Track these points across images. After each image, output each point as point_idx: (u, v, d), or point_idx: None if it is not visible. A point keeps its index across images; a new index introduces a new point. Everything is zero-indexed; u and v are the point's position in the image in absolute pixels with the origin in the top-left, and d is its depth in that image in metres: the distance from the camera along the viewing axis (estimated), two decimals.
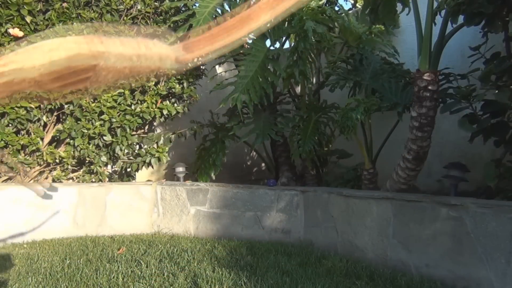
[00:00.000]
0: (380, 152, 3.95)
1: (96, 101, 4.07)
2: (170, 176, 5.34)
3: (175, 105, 4.47)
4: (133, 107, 4.19)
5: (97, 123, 4.02)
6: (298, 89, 4.95)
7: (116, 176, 4.47)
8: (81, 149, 3.98)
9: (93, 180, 4.18)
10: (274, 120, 4.29)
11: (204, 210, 3.94)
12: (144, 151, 4.37)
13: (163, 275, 2.62)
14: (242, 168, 6.31)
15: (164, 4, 4.32)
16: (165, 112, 4.33)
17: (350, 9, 5.61)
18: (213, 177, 4.42)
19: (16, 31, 3.61)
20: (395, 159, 3.39)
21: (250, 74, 3.76)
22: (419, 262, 2.70)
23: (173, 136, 4.54)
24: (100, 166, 4.13)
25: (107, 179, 4.27)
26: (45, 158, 3.89)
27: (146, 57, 0.60)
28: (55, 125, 4.09)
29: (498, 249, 2.31)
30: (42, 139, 3.94)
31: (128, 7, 4.21)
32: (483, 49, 3.28)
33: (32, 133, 3.87)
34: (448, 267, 2.54)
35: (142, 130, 4.64)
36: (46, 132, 4.03)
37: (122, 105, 4.14)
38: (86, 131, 3.97)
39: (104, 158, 4.12)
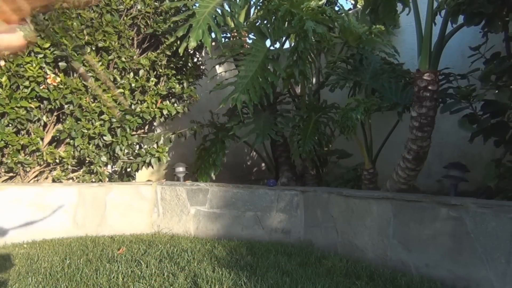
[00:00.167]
0: (380, 152, 3.95)
1: (96, 101, 4.07)
2: (170, 176, 5.34)
3: (175, 105, 4.47)
4: (133, 107, 4.19)
5: (97, 123, 4.02)
6: (298, 89, 4.95)
7: (116, 176, 4.47)
8: (81, 149, 3.98)
9: (93, 180, 4.18)
10: (274, 120, 4.29)
11: (204, 210, 3.95)
12: (144, 151, 4.37)
13: (163, 275, 2.62)
14: (242, 168, 6.31)
15: (164, 4, 4.32)
16: (165, 112, 4.33)
17: (350, 9, 5.62)
18: (213, 177, 4.42)
19: None
20: (395, 159, 3.39)
21: (250, 74, 3.76)
22: (419, 262, 2.70)
23: (173, 136, 4.54)
24: (100, 166, 4.13)
25: (107, 179, 4.27)
26: (45, 158, 3.89)
27: None
28: (55, 125, 4.09)
29: (498, 249, 2.31)
30: (42, 139, 3.94)
31: (128, 7, 4.21)
32: (483, 49, 3.28)
33: (32, 133, 3.87)
34: (448, 267, 2.54)
35: (142, 130, 4.64)
36: (46, 132, 4.03)
37: (122, 105, 4.14)
38: (86, 131, 3.97)
39: (104, 158, 4.12)
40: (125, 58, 4.17)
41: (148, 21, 4.34)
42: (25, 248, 3.36)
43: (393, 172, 3.35)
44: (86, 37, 3.95)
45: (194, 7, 4.03)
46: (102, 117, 4.05)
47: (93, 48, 4.03)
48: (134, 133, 4.41)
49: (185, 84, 4.50)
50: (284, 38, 4.43)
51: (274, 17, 4.04)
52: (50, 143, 4.06)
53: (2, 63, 3.63)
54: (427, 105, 3.00)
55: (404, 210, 2.84)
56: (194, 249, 3.29)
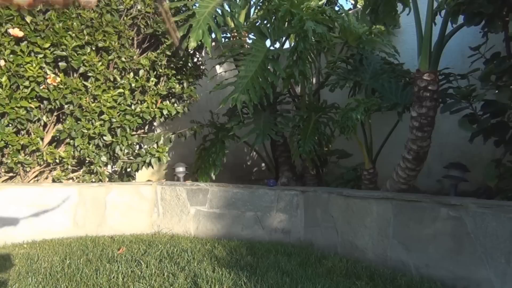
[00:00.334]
0: (380, 152, 3.95)
1: (96, 101, 4.07)
2: (170, 176, 5.34)
3: (175, 105, 4.47)
4: (133, 107, 4.19)
5: (97, 123, 4.02)
6: (298, 89, 4.95)
7: (116, 176, 4.47)
8: (81, 149, 3.98)
9: (93, 180, 4.18)
10: (274, 120, 4.29)
11: (204, 210, 3.95)
12: (144, 151, 4.37)
13: (163, 275, 2.62)
14: (242, 168, 6.31)
15: (164, 4, 4.31)
16: (165, 112, 4.33)
17: (350, 9, 5.61)
18: (213, 177, 4.42)
19: (16, 31, 3.61)
20: (395, 159, 3.39)
21: (250, 74, 3.76)
22: (419, 262, 2.70)
23: (173, 136, 4.54)
24: (100, 166, 4.13)
25: (107, 179, 4.27)
26: (45, 158, 3.89)
27: None
28: (55, 125, 4.09)
29: (498, 249, 2.31)
30: (42, 139, 3.94)
31: (128, 7, 4.21)
32: (483, 49, 3.28)
33: (32, 133, 3.87)
34: (448, 267, 2.54)
35: (142, 130, 4.64)
36: (46, 132, 4.03)
37: (122, 105, 4.14)
38: (86, 131, 3.97)
39: (104, 158, 4.12)
40: (125, 58, 4.17)
41: (148, 21, 4.34)
42: (25, 248, 3.36)
43: (393, 172, 3.35)
44: (86, 37, 3.95)
45: (194, 7, 4.04)
46: (102, 117, 4.05)
47: (93, 48, 4.02)
48: (134, 133, 4.41)
49: (185, 84, 4.50)
50: (284, 38, 4.43)
51: (274, 17, 4.04)
52: (50, 143, 4.06)
53: (2, 63, 3.63)
54: (427, 105, 3.00)
55: (404, 210, 2.84)
56: (194, 249, 3.29)
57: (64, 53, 3.85)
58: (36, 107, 3.84)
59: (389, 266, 2.84)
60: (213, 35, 4.01)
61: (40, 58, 3.76)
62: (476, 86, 3.14)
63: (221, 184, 3.99)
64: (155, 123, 4.91)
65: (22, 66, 3.69)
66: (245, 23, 4.65)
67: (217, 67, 5.31)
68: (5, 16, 3.60)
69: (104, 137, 4.07)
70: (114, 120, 4.07)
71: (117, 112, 4.11)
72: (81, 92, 3.98)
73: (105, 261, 2.92)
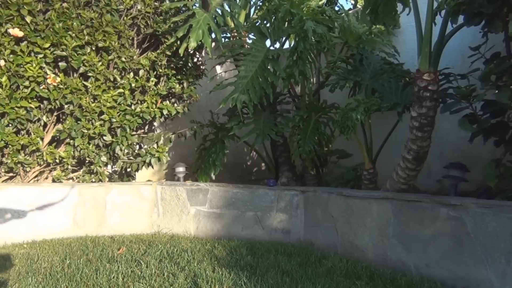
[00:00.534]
0: (380, 152, 3.95)
1: (96, 101, 4.07)
2: (170, 176, 5.34)
3: (175, 105, 4.47)
4: (133, 107, 4.19)
5: (97, 123, 4.02)
6: (298, 89, 4.95)
7: (116, 176, 4.47)
8: (81, 149, 3.98)
9: (93, 180, 4.18)
10: (274, 120, 4.29)
11: (204, 210, 3.95)
12: (144, 151, 4.37)
13: (163, 275, 2.62)
14: (242, 168, 6.32)
15: (164, 4, 4.32)
16: (165, 112, 4.33)
17: (350, 9, 5.62)
18: (213, 177, 4.42)
19: (16, 31, 3.61)
20: (395, 159, 3.39)
21: (250, 74, 3.76)
22: (419, 262, 2.70)
23: (173, 136, 4.54)
24: (100, 166, 4.13)
25: (107, 179, 4.28)
26: (45, 158, 3.89)
27: None
28: (55, 125, 4.09)
29: (498, 249, 2.31)
30: (42, 139, 3.94)
31: (128, 7, 4.21)
32: (483, 49, 3.28)
33: (32, 133, 3.87)
34: (448, 267, 2.54)
35: (142, 130, 4.64)
36: (46, 132, 4.03)
37: (122, 105, 4.14)
38: (86, 131, 3.97)
39: (104, 158, 4.13)
40: (125, 58, 4.17)
41: (148, 21, 4.34)
42: (25, 248, 3.36)
43: (393, 172, 3.35)
44: (86, 37, 3.95)
45: (194, 7, 4.04)
46: (102, 117, 4.05)
47: (93, 48, 4.02)
48: (134, 133, 4.41)
49: (185, 84, 4.50)
50: (284, 38, 4.43)
51: (274, 17, 4.04)
52: (50, 143, 4.06)
53: (2, 63, 3.63)
54: (427, 105, 3.00)
55: (404, 210, 2.84)
56: (194, 249, 3.29)
57: (64, 53, 3.85)
58: (36, 107, 3.84)
59: (389, 266, 2.84)
60: (213, 35, 4.01)
61: (40, 58, 3.76)
62: (476, 86, 3.14)
63: (221, 184, 3.99)
64: (155, 123, 4.91)
65: (22, 66, 3.69)
66: (245, 23, 4.65)
67: (217, 67, 5.31)
68: (5, 16, 3.60)
69: (104, 137, 4.07)
70: (114, 120, 4.07)
71: (117, 112, 4.11)
72: (81, 92, 3.98)
73: (105, 261, 2.92)
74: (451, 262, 2.54)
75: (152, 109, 4.25)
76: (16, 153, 3.75)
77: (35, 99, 3.83)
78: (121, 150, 4.15)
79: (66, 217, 3.82)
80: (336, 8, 5.10)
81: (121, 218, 4.02)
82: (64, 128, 3.93)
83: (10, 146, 3.71)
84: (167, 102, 4.39)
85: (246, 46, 4.42)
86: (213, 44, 4.71)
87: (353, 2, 6.49)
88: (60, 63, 3.90)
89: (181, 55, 3.87)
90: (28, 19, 3.68)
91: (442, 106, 3.26)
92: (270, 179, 4.09)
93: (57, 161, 3.97)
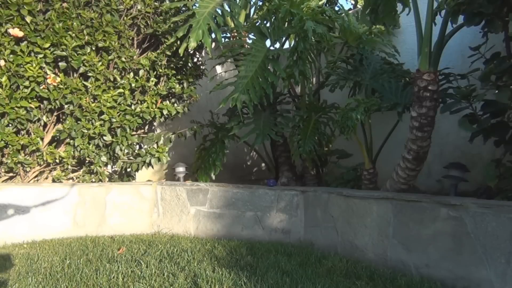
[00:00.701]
0: (380, 152, 3.95)
1: (96, 101, 4.07)
2: (170, 176, 5.34)
3: (175, 105, 4.47)
4: (133, 107, 4.19)
5: (97, 123, 4.02)
6: (298, 89, 4.95)
7: (116, 176, 4.47)
8: (81, 149, 3.98)
9: (93, 180, 4.18)
10: (274, 120, 4.29)
11: (204, 210, 3.95)
12: (144, 151, 4.37)
13: (163, 275, 2.62)
14: (242, 168, 6.32)
15: (164, 4, 4.32)
16: (165, 112, 4.33)
17: (350, 9, 5.62)
18: (213, 177, 4.42)
19: (16, 31, 3.61)
20: (395, 159, 3.39)
21: (250, 74, 3.75)
22: (419, 262, 2.70)
23: (173, 136, 4.54)
24: (100, 166, 4.13)
25: (107, 179, 4.28)
26: (45, 158, 3.89)
27: None
28: (55, 125, 4.09)
29: (498, 249, 2.31)
30: (42, 139, 3.94)
31: (128, 7, 4.21)
32: (483, 49, 3.28)
33: (32, 133, 3.87)
34: (448, 267, 2.54)
35: (142, 130, 4.64)
36: (46, 132, 4.03)
37: (122, 105, 4.14)
38: (86, 131, 3.97)
39: (104, 158, 4.13)
40: (125, 58, 4.17)
41: (148, 21, 4.34)
42: (25, 248, 3.36)
43: (393, 172, 3.35)
44: (86, 37, 3.95)
45: (194, 7, 4.03)
46: (102, 117, 4.05)
47: (93, 48, 4.02)
48: (134, 133, 4.41)
49: (185, 84, 4.50)
50: (284, 38, 4.43)
51: (274, 17, 4.04)
52: (50, 143, 4.06)
53: (2, 63, 3.63)
54: (427, 105, 3.00)
55: (404, 210, 2.84)
56: (194, 249, 3.29)
57: (64, 53, 3.85)
58: (36, 107, 3.84)
59: (389, 266, 2.84)
60: (213, 35, 4.00)
61: (40, 58, 3.76)
62: (476, 86, 3.14)
63: (221, 184, 3.99)
64: (155, 123, 4.91)
65: (22, 66, 3.69)
66: (245, 23, 4.65)
67: (217, 67, 5.31)
68: (5, 16, 3.60)
69: (104, 137, 4.07)
70: (114, 120, 4.07)
71: (117, 112, 4.11)
72: (81, 92, 3.98)
73: (105, 261, 2.92)
74: (451, 262, 2.54)
75: (152, 109, 4.25)
76: (16, 153, 3.76)
77: (35, 99, 3.83)
78: (121, 150, 4.15)
79: (66, 217, 3.82)
80: (336, 8, 5.11)
81: (121, 218, 4.02)
82: (64, 128, 3.93)
83: (10, 146, 3.71)
84: (167, 102, 4.39)
85: (246, 46, 4.42)
86: (213, 44, 4.72)
87: (353, 2, 6.49)
88: (60, 63, 3.90)
89: (181, 55, 3.87)
90: (28, 19, 3.68)
91: (442, 106, 3.26)
92: (270, 179, 4.09)
93: (57, 161, 3.97)
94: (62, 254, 3.14)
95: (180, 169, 4.57)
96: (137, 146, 4.50)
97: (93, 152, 4.05)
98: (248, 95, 3.65)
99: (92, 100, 4.06)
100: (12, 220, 3.59)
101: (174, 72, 4.42)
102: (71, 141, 3.97)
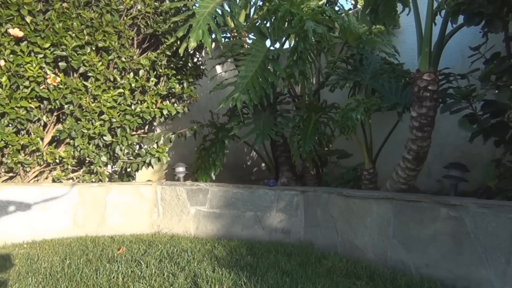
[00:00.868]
0: (380, 152, 3.95)
1: (96, 101, 4.07)
2: (170, 176, 5.34)
3: (175, 105, 4.47)
4: (133, 107, 4.19)
5: (97, 123, 4.02)
6: (298, 89, 4.95)
7: (116, 176, 4.47)
8: (81, 149, 3.98)
9: (93, 180, 4.18)
10: (274, 120, 4.29)
11: (204, 210, 3.95)
12: (144, 151, 4.37)
13: (163, 275, 2.62)
14: (242, 168, 6.32)
15: (164, 4, 4.32)
16: (165, 112, 4.33)
17: (350, 9, 5.62)
18: (213, 177, 4.42)
19: (16, 31, 3.61)
20: (395, 159, 3.39)
21: (250, 74, 3.75)
22: (419, 262, 2.70)
23: (173, 136, 4.54)
24: (100, 166, 4.13)
25: (107, 179, 4.28)
26: (45, 158, 3.89)
27: None
28: (55, 125, 4.09)
29: (498, 249, 2.31)
30: (42, 139, 3.94)
31: (128, 7, 4.21)
32: (483, 49, 3.28)
33: (32, 133, 3.87)
34: (448, 267, 2.54)
35: (142, 130, 4.64)
36: (46, 132, 4.03)
37: (122, 105, 4.14)
38: (86, 131, 3.97)
39: (104, 158, 4.13)
40: (125, 58, 4.17)
41: (148, 21, 4.34)
42: (25, 248, 3.36)
43: (393, 172, 3.35)
44: (86, 37, 3.95)
45: (194, 7, 4.03)
46: (102, 117, 4.05)
47: (93, 48, 4.03)
48: (134, 133, 4.41)
49: (185, 84, 4.50)
50: (284, 38, 4.43)
51: (274, 17, 4.04)
52: (50, 143, 4.06)
53: (2, 63, 3.63)
54: (427, 105, 3.00)
55: (404, 210, 2.84)
56: (194, 249, 3.29)
57: (64, 53, 3.85)
58: (36, 107, 3.84)
59: (389, 266, 2.85)
60: (213, 35, 4.00)
61: (40, 58, 3.76)
62: (476, 86, 3.14)
63: (221, 184, 4.00)
64: (155, 123, 4.91)
65: (22, 66, 3.69)
66: (245, 23, 4.65)
67: (217, 67, 5.31)
68: (5, 16, 3.60)
69: (104, 137, 4.07)
70: (114, 120, 4.07)
71: (117, 112, 4.11)
72: (81, 92, 3.98)
73: (105, 261, 2.92)
74: (451, 262, 2.54)
75: (152, 109, 4.25)
76: (16, 153, 3.76)
77: (35, 99, 3.83)
78: (121, 150, 4.15)
79: (66, 217, 3.82)
80: (336, 8, 5.11)
81: (121, 218, 4.02)
82: (64, 128, 3.93)
83: (10, 146, 3.71)
84: (167, 102, 4.39)
85: (246, 46, 4.42)
86: (213, 44, 4.71)
87: (353, 2, 6.49)
88: (60, 63, 3.90)
89: (181, 55, 3.87)
90: (28, 19, 3.68)
91: (442, 106, 3.26)
92: (270, 179, 4.09)
93: (57, 161, 3.97)
94: (62, 254, 3.14)
95: (180, 169, 4.58)
96: (137, 146, 4.50)
97: (93, 152, 4.05)
98: (248, 95, 3.65)
99: (92, 100, 4.06)
100: (12, 220, 3.59)
101: (174, 72, 4.42)
102: (71, 141, 3.97)
